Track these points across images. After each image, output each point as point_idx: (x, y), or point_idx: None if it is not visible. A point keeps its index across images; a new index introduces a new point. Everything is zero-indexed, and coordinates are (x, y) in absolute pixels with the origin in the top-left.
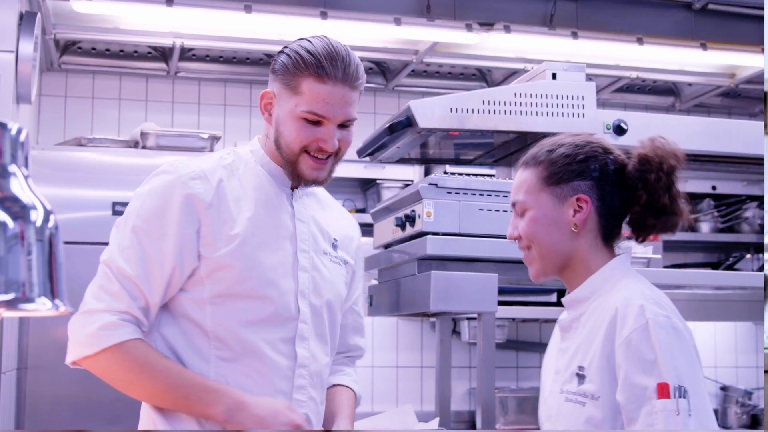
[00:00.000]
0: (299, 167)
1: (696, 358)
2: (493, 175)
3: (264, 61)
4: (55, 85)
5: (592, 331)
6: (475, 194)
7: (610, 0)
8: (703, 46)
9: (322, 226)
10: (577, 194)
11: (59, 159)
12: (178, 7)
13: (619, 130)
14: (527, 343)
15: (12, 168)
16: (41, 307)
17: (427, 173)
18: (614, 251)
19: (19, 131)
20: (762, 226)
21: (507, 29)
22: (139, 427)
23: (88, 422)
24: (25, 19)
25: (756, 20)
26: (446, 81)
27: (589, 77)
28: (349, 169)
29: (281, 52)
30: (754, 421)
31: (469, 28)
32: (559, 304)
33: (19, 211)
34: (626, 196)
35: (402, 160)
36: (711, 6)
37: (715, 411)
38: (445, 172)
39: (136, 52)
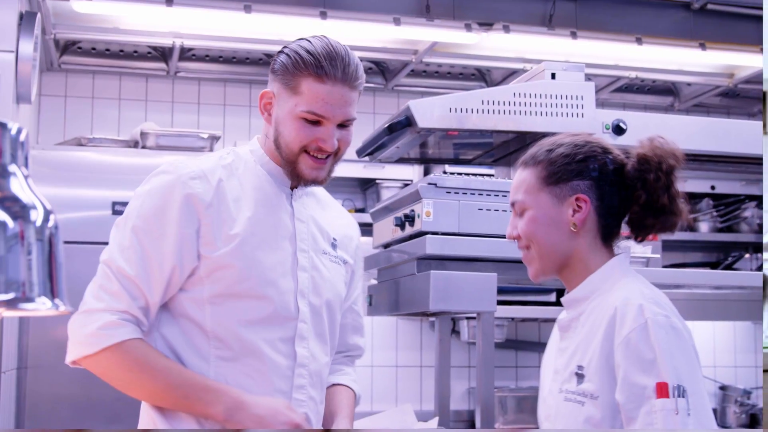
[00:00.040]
0: (299, 167)
1: (695, 358)
2: (493, 175)
3: (263, 61)
4: (55, 85)
5: (591, 331)
6: (474, 194)
7: (609, 0)
8: (702, 46)
9: (321, 226)
10: (576, 194)
11: (59, 159)
12: (177, 7)
13: (618, 130)
14: (526, 343)
15: (12, 168)
16: (41, 306)
17: (426, 173)
18: (613, 251)
19: (19, 131)
20: (761, 225)
21: (506, 29)
22: (139, 427)
23: (88, 422)
24: (25, 19)
25: (755, 20)
26: (445, 81)
27: (588, 77)
28: (348, 168)
29: (281, 52)
30: (753, 420)
31: (468, 28)
32: (558, 303)
33: (19, 210)
34: (625, 195)
35: (401, 160)
36: (710, 6)
37: (714, 410)
38: (445, 172)
39: (135, 52)
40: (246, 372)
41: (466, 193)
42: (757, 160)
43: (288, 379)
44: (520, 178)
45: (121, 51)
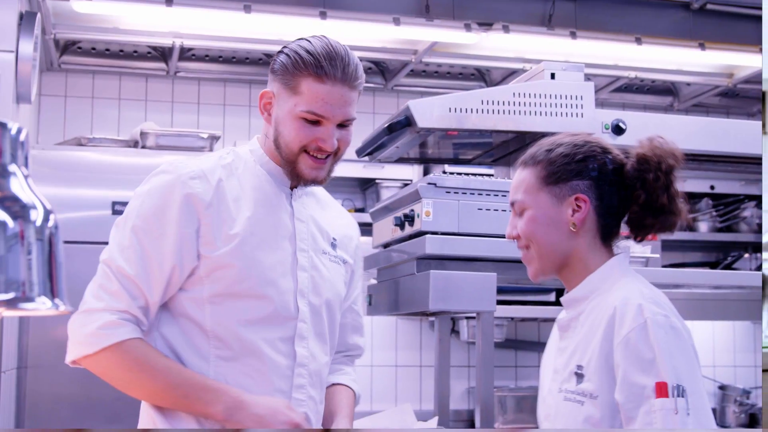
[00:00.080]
0: (298, 167)
1: (694, 357)
2: (492, 175)
3: (263, 60)
4: (55, 85)
5: (590, 330)
6: (473, 194)
7: (609, 0)
8: (702, 46)
9: (321, 226)
10: (576, 194)
11: (59, 158)
12: (177, 7)
13: (618, 130)
14: (526, 343)
15: (12, 167)
16: (41, 306)
17: (426, 173)
18: (613, 250)
19: (19, 131)
20: (760, 225)
21: (506, 29)
22: (139, 426)
23: (87, 421)
24: (25, 19)
25: (754, 20)
26: (445, 81)
27: (588, 77)
28: (348, 168)
29: (280, 52)
30: (753, 420)
31: (467, 28)
32: (557, 303)
33: (19, 210)
34: (625, 195)
35: (401, 160)
36: (709, 6)
37: (714, 410)
38: (444, 172)
39: (135, 51)
40: (246, 372)
41: (465, 193)
42: (757, 160)
43: (288, 379)
44: (519, 178)
45: (121, 51)
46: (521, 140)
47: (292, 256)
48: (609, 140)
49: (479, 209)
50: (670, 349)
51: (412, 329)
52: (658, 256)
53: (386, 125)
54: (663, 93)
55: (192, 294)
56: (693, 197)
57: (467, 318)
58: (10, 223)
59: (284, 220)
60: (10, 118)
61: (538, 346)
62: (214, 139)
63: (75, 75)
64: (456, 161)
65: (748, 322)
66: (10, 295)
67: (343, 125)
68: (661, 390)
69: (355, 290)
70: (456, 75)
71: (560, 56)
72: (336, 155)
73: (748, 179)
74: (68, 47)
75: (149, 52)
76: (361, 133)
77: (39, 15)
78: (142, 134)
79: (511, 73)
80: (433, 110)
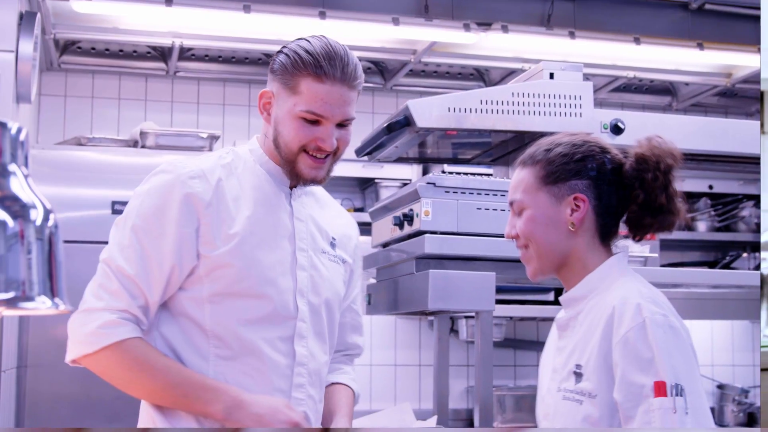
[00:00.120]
0: (298, 166)
1: (693, 357)
2: (491, 175)
3: (263, 60)
4: (54, 85)
5: (589, 330)
6: (472, 193)
7: (608, 0)
8: (700, 46)
9: (320, 225)
10: (575, 193)
11: (59, 158)
12: (177, 7)
13: (617, 130)
14: (525, 342)
15: (12, 167)
16: (41, 305)
17: (425, 172)
18: (611, 250)
19: (18, 130)
20: (758, 224)
21: (504, 29)
22: (139, 425)
23: (87, 420)
24: (25, 19)
25: (752, 20)
26: (444, 81)
27: (587, 77)
28: (347, 168)
29: (280, 51)
30: (751, 419)
31: (466, 27)
32: (556, 302)
33: (19, 210)
34: (623, 195)
35: (400, 160)
36: (708, 6)
37: (712, 409)
38: (443, 172)
39: (135, 51)
40: (245, 371)
41: (464, 193)
42: (755, 160)
43: (287, 378)
44: (518, 178)
45: (121, 51)
46: (520, 140)
47: (292, 255)
48: (608, 140)
49: (478, 209)
50: (669, 348)
51: (411, 328)
52: (656, 255)
53: (385, 125)
54: (661, 93)
55: (191, 293)
56: (691, 197)
57: (466, 317)
58: (10, 222)
59: (283, 220)
60: (10, 118)
61: (537, 345)
62: (213, 138)
63: (75, 75)
64: (455, 161)
65: (747, 321)
66: (10, 295)
67: (342, 125)
68: (660, 389)
69: (354, 289)
70: (455, 75)
71: (559, 56)
72: (335, 155)
73: (747, 179)
74: (68, 47)
75: (149, 52)
76: (360, 132)
77: (39, 15)
78: (142, 134)
79: (510, 73)
80: (432, 110)
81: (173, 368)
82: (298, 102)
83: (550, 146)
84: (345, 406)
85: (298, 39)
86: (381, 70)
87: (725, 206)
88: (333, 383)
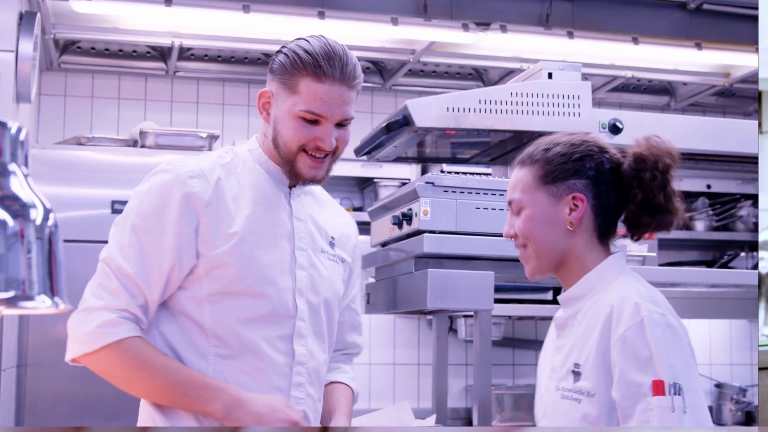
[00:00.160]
0: (297, 166)
1: (691, 356)
2: (490, 174)
3: (262, 60)
4: (54, 85)
5: (587, 329)
6: (471, 193)
7: (606, 0)
8: (698, 46)
9: (319, 225)
10: (573, 193)
11: (59, 158)
12: (176, 7)
13: (615, 129)
14: (523, 341)
15: (12, 167)
16: (41, 304)
17: (423, 172)
18: (610, 249)
19: (18, 130)
20: (756, 224)
21: (503, 29)
22: (138, 424)
23: (87, 419)
24: (25, 19)
25: (750, 20)
26: (443, 80)
27: (585, 77)
28: (346, 167)
29: (279, 51)
30: (749, 418)
31: (465, 27)
32: (554, 301)
33: (19, 209)
34: (622, 194)
35: (399, 159)
36: (706, 6)
37: (710, 408)
38: (442, 171)
39: (135, 51)
40: (244, 370)
41: (463, 192)
42: (753, 159)
43: (286, 377)
44: (517, 177)
45: (121, 51)
46: (519, 139)
47: (291, 254)
48: (606, 139)
49: (477, 208)
50: (667, 347)
51: (410, 328)
52: (654, 254)
53: (384, 124)
54: (660, 92)
55: (191, 292)
56: (689, 196)
57: (465, 316)
58: (10, 221)
59: (283, 219)
60: (10, 118)
61: (536, 344)
62: (213, 138)
63: (74, 74)
64: (454, 160)
65: (745, 320)
66: (10, 294)
67: (341, 124)
68: (658, 388)
69: (353, 289)
70: (454, 75)
71: (557, 56)
72: (334, 154)
73: (745, 178)
74: (68, 47)
75: (148, 52)
76: (359, 132)
77: (39, 15)
78: (142, 133)
79: (509, 73)
80: (431, 110)
81: (173, 367)
82: (297, 102)
83: (548, 146)
84: (344, 405)
85: (298, 39)
86: (380, 69)
87: (723, 205)
88: (332, 382)
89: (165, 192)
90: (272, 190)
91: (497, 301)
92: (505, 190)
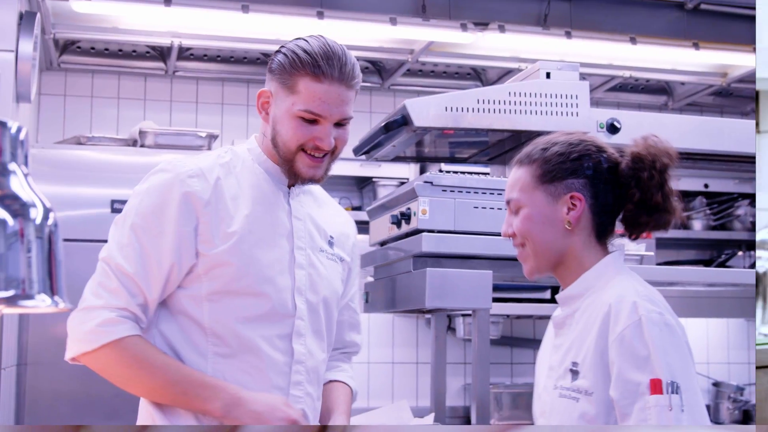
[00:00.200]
0: (296, 165)
1: (688, 355)
2: (488, 173)
3: (261, 60)
4: (54, 84)
5: (585, 328)
6: (470, 192)
7: (604, 0)
8: (696, 46)
9: (318, 224)
10: (571, 192)
11: (58, 157)
12: (176, 7)
13: (613, 129)
14: (521, 340)
15: (12, 166)
16: (41, 303)
17: (422, 171)
18: (607, 248)
19: (18, 130)
20: (753, 223)
21: (501, 29)
22: (138, 423)
23: (87, 418)
24: (25, 19)
25: (748, 20)
26: (441, 80)
27: (583, 76)
28: (345, 167)
29: (278, 51)
30: (746, 416)
31: (464, 27)
32: (553, 300)
33: (19, 208)
34: (619, 194)
35: (397, 159)
36: (703, 6)
37: (707, 407)
38: (440, 171)
39: (134, 51)
40: (243, 368)
41: (461, 192)
42: (750, 159)
43: (285, 376)
44: (515, 177)
45: (120, 50)
46: (517, 139)
47: (290, 253)
48: (604, 139)
49: (475, 207)
50: (665, 346)
51: (409, 326)
52: (652, 253)
53: (383, 124)
54: (657, 92)
55: (190, 291)
56: (687, 195)
57: (463, 315)
58: (10, 221)
59: (282, 218)
60: (10, 117)
61: (534, 343)
62: (212, 137)
63: (74, 74)
64: (452, 160)
65: (742, 319)
66: (10, 293)
67: (340, 124)
68: (656, 387)
69: (352, 288)
70: (452, 74)
71: (555, 56)
72: (333, 154)
73: (742, 178)
74: (68, 47)
75: (148, 52)
76: (358, 131)
77: (39, 15)
78: (141, 133)
79: (507, 73)
80: (430, 109)
81: (172, 366)
82: (296, 101)
83: (546, 145)
84: (343, 404)
85: (296, 39)
86: (379, 69)
87: (721, 205)
88: (331, 381)
89: (164, 191)
90: (271, 189)
91: (495, 300)
92: (503, 190)
